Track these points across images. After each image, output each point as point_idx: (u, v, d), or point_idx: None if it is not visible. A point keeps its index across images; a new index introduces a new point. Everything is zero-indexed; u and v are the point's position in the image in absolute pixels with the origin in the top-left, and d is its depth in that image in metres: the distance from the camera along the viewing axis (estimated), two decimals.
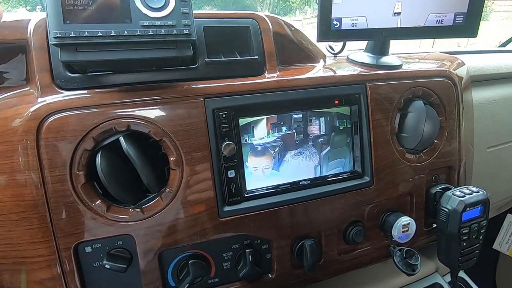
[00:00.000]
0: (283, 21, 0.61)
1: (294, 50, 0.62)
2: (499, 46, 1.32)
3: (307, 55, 0.64)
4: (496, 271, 1.52)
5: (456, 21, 0.54)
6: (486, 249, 1.40)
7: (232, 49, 0.56)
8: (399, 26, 0.55)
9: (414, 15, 0.54)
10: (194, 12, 0.54)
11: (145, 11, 0.43)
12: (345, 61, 0.68)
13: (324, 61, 0.66)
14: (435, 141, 0.67)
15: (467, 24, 0.54)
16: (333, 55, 0.69)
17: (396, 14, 0.55)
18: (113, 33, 0.41)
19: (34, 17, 0.48)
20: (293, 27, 0.62)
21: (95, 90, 0.47)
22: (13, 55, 0.49)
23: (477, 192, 0.62)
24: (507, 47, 1.19)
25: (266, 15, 0.58)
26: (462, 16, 0.53)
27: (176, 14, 0.44)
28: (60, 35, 0.40)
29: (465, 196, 0.61)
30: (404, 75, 0.63)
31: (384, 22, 0.55)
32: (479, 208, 0.62)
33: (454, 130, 0.68)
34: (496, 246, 1.39)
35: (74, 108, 0.45)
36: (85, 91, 0.47)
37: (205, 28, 0.53)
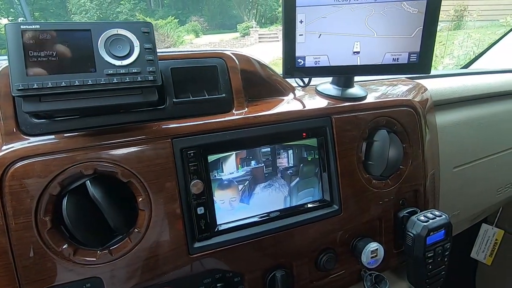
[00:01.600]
0: (251, 57, 0.63)
1: (262, 85, 0.64)
2: (462, 67, 1.39)
3: (276, 89, 0.66)
4: (476, 280, 1.57)
5: (411, 60, 0.58)
6: (464, 258, 1.45)
7: (201, 87, 0.57)
8: (358, 63, 0.59)
9: (372, 54, 0.58)
10: (161, 53, 0.55)
11: (109, 60, 0.44)
12: (313, 91, 0.71)
13: (293, 93, 0.69)
14: (401, 167, 0.70)
15: (420, 62, 0.58)
16: (301, 87, 0.72)
17: (355, 53, 0.58)
18: (77, 83, 0.42)
19: None
20: (261, 62, 0.65)
21: (61, 134, 0.48)
22: None
23: (440, 216, 0.66)
24: (469, 69, 1.26)
25: (233, 53, 0.60)
26: (416, 55, 0.57)
27: (141, 62, 0.45)
28: (22, 87, 0.40)
29: (428, 221, 0.64)
30: (368, 106, 0.66)
31: (344, 60, 0.59)
32: (442, 231, 0.65)
33: (418, 155, 0.72)
34: (473, 254, 1.44)
35: (39, 154, 0.45)
36: (52, 136, 0.47)
37: (172, 69, 0.54)
